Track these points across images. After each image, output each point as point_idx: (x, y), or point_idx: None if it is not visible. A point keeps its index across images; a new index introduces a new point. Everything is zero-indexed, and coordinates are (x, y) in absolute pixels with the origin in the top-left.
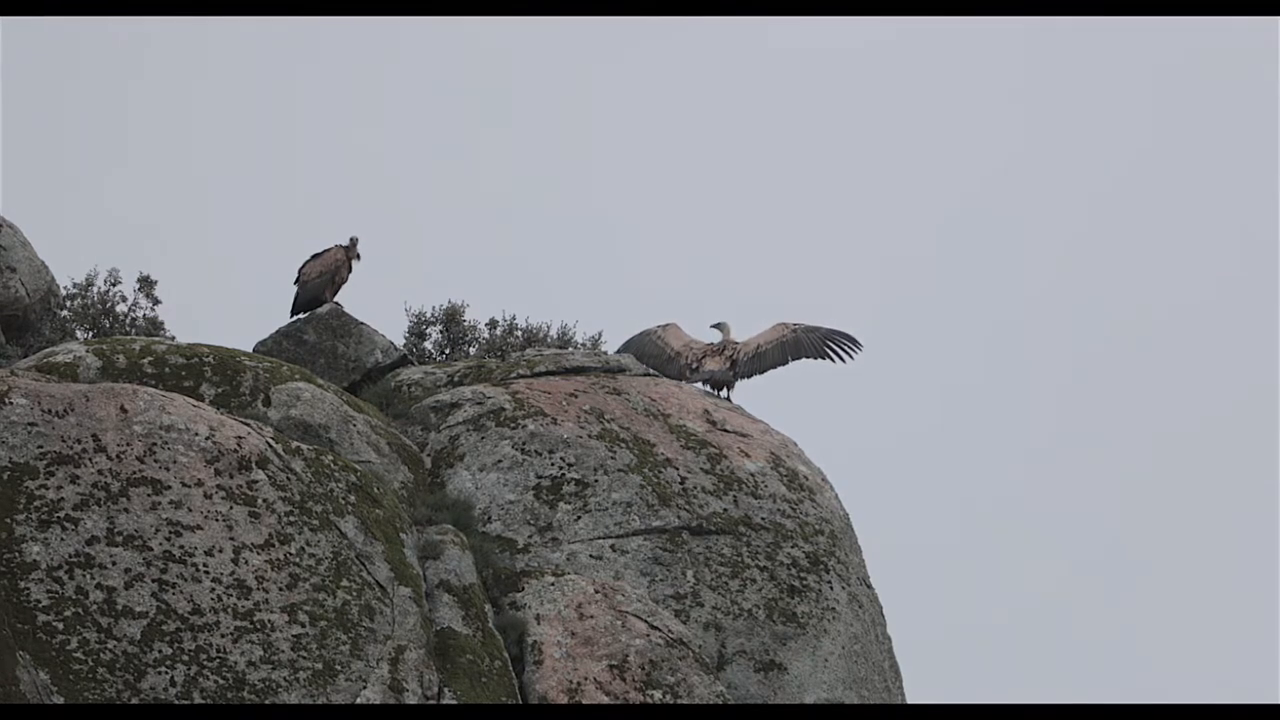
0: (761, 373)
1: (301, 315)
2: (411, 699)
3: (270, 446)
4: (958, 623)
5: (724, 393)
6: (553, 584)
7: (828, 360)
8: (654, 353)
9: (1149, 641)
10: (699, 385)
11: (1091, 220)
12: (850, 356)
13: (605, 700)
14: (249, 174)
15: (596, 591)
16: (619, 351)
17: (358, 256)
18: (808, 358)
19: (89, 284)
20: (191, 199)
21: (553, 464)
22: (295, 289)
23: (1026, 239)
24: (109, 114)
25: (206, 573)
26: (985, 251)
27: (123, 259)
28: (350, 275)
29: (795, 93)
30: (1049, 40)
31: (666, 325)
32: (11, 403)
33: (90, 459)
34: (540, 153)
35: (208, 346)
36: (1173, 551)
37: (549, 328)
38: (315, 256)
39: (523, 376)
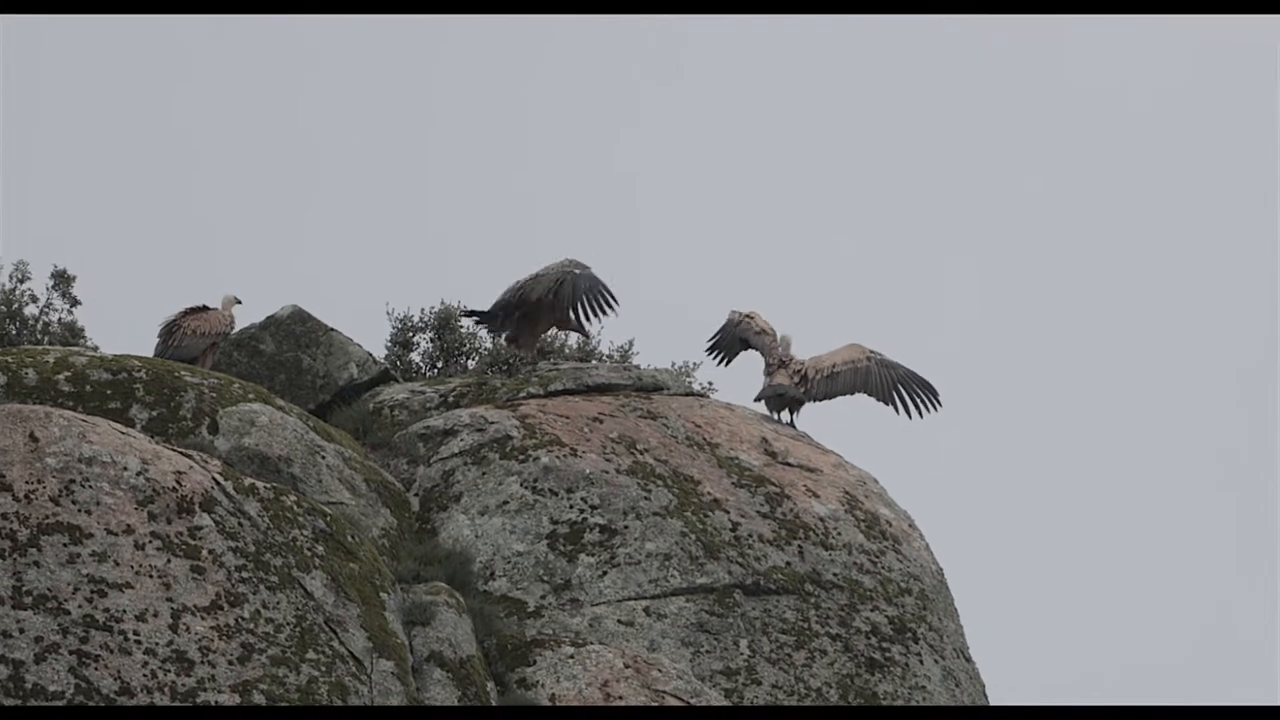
0: (831, 398)
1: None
2: None
3: (218, 484)
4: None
5: (787, 416)
6: (572, 656)
7: (892, 408)
8: (749, 330)
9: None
10: (757, 406)
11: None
12: (923, 412)
13: None
14: (192, 155)
15: (626, 666)
16: (712, 343)
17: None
18: (873, 397)
19: None
20: (119, 184)
21: (572, 506)
22: (161, 339)
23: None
24: (36, 100)
25: (138, 643)
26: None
27: (33, 250)
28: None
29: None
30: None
31: (750, 312)
32: None
33: None
34: (546, 147)
35: (139, 359)
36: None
37: (566, 335)
38: (196, 312)
39: (534, 396)
